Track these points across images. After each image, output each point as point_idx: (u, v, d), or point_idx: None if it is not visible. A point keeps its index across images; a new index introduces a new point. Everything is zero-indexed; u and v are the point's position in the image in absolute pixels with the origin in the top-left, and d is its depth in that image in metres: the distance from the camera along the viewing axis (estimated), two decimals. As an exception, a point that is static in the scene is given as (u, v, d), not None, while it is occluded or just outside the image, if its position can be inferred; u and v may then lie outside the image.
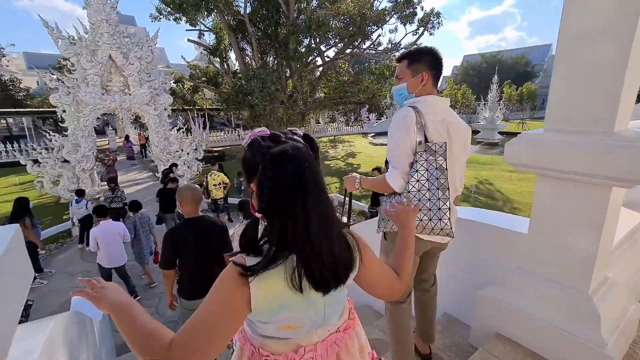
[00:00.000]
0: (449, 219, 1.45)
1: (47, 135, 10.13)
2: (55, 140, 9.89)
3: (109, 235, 4.65)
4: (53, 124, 19.97)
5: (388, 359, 1.86)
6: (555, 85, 1.45)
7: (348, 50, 17.94)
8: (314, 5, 15.59)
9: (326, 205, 0.79)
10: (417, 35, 18.93)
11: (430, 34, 18.05)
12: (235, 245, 2.66)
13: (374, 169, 6.81)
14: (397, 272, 0.99)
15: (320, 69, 18.45)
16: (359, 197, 9.89)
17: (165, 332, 0.71)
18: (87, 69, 9.56)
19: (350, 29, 15.47)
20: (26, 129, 20.18)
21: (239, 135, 22.64)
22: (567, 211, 1.48)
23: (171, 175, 7.37)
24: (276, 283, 0.75)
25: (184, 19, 15.08)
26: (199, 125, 14.38)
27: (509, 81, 42.69)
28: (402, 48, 20.04)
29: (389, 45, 19.65)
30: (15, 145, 15.86)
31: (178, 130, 12.82)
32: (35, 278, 5.54)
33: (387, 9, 16.50)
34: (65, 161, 9.88)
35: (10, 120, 25.23)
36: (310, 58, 17.16)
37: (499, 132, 25.04)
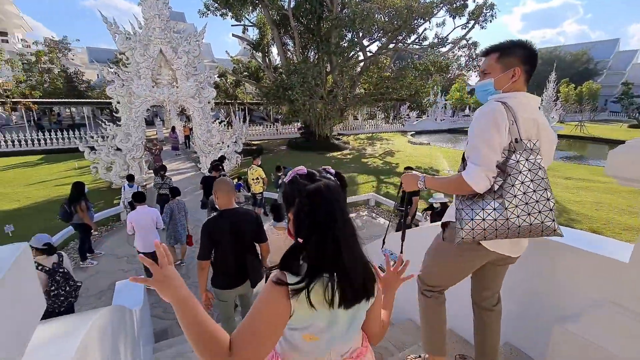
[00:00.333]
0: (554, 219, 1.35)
1: (103, 124, 10.88)
2: (110, 129, 10.60)
3: (143, 220, 4.87)
4: (109, 114, 21.51)
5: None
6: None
7: (391, 45, 17.38)
8: (359, -2, 15.21)
9: (352, 233, 0.92)
10: (467, 29, 17.87)
11: (482, 27, 16.94)
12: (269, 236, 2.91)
13: (406, 168, 6.41)
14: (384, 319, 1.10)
15: (362, 64, 18.06)
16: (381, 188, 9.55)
17: (224, 335, 0.80)
18: (140, 63, 10.07)
19: (396, 22, 14.91)
20: (86, 118, 21.96)
21: (277, 130, 22.96)
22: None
23: (221, 167, 7.54)
24: (313, 299, 0.85)
25: (229, 14, 15.43)
26: (240, 119, 14.74)
27: (567, 79, 39.13)
28: (449, 43, 19.05)
29: (435, 40, 18.75)
30: (77, 132, 17.31)
31: (220, 123, 13.19)
32: (86, 258, 5.92)
33: (435, 1, 15.68)
34: (118, 149, 10.54)
35: (73, 109, 27.66)
36: (352, 53, 16.85)
37: (554, 135, 23.03)
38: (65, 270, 3.45)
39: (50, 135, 17.02)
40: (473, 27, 17.27)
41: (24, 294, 0.85)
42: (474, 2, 16.27)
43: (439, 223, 1.80)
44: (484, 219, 1.38)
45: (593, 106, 39.28)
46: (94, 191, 10.04)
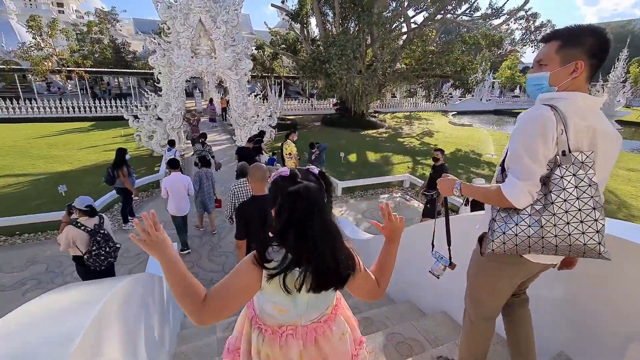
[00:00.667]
0: (599, 242, 1.20)
1: (146, 94, 11.25)
2: (152, 99, 10.95)
3: (175, 185, 5.14)
4: (152, 85, 22.36)
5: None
6: None
7: (439, 16, 16.08)
8: (406, -37, 14.04)
9: (328, 231, 0.97)
10: (526, -3, 16.05)
11: (545, -4, 15.07)
12: None
13: (435, 150, 5.97)
14: (377, 279, 1.15)
15: (405, 36, 16.98)
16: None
17: (201, 289, 0.95)
18: (180, 32, 10.13)
19: (446, -10, 13.67)
20: (132, 88, 22.99)
21: (311, 105, 22.65)
22: None
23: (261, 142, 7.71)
24: (279, 282, 0.96)
25: (269, -18, 14.94)
26: (275, 93, 14.61)
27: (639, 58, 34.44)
28: (503, 14, 17.27)
29: (489, 11, 17.10)
30: (123, 102, 18.20)
31: (255, 96, 13.18)
32: (128, 221, 6.27)
33: (493, -36, 14.12)
34: (159, 119, 10.92)
35: (121, 79, 29.06)
36: (395, 24, 15.84)
37: (617, 121, 20.60)
38: (106, 232, 3.60)
39: (100, 103, 18.05)
40: (535, -5, 15.46)
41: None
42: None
43: (478, 214, 1.70)
44: (516, 235, 1.26)
45: (669, 89, 34.49)
46: (137, 158, 10.55)
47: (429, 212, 6.10)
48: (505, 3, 17.32)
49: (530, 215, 1.24)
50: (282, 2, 20.02)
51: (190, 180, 5.36)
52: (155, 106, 10.88)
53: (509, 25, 17.88)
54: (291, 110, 21.69)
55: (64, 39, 22.47)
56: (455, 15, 16.19)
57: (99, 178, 5.89)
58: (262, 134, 8.38)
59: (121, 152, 5.88)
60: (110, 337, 1.15)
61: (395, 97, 26.74)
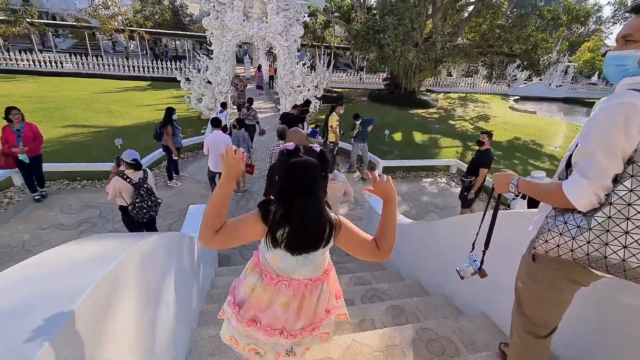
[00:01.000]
0: None
1: (198, 56, 11.45)
2: (203, 62, 11.13)
3: (216, 143, 5.41)
4: (206, 49, 22.85)
5: None
6: None
7: (515, -16, 14.23)
8: None
9: (317, 201, 1.14)
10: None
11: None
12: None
13: (482, 133, 5.36)
14: (377, 241, 1.21)
15: (472, 7, 15.35)
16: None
17: (224, 220, 1.14)
18: (234, -6, 9.97)
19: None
20: (187, 51, 23.67)
21: (360, 79, 21.79)
22: None
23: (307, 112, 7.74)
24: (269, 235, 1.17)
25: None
26: (324, 63, 14.16)
27: None
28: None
29: (578, -21, 14.80)
30: (178, 63, 18.82)
31: (303, 65, 12.88)
32: (172, 178, 6.56)
33: None
34: (208, 82, 11.12)
35: (177, 42, 30.02)
36: (462, -7, 14.33)
37: None
38: (149, 186, 3.74)
39: (159, 64, 18.85)
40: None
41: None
42: None
43: (530, 212, 1.59)
44: (560, 234, 1.16)
45: None
46: (186, 119, 10.95)
47: (468, 202, 5.64)
48: (599, -29, 14.82)
49: (583, 215, 1.11)
50: (340, -34, 18.93)
51: (230, 139, 5.63)
52: (206, 69, 11.05)
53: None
54: (338, 82, 21.06)
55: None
56: (535, -16, 14.25)
57: (151, 135, 6.19)
58: (307, 103, 8.16)
59: (169, 111, 6.05)
60: (126, 293, 1.10)
61: (451, 75, 24.81)
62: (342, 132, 7.56)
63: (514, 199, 4.50)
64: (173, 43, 30.69)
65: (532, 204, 4.08)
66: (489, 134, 5.29)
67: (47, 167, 5.94)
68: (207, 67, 11.01)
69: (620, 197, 1.04)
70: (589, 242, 1.10)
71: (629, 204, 1.03)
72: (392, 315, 2.42)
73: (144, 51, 25.13)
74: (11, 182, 5.99)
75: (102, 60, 18.21)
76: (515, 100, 22.21)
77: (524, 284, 1.41)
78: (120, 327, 1.03)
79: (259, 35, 10.95)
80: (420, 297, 2.69)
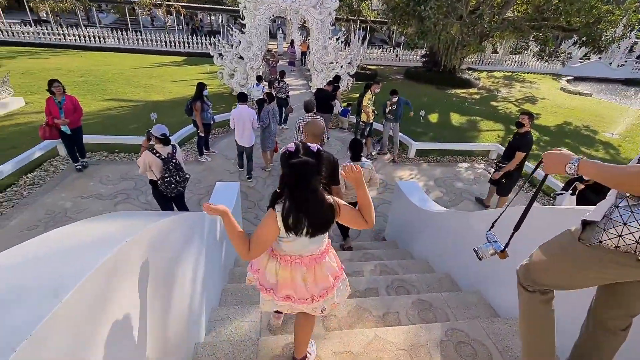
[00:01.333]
0: None
1: (231, 30, 11.32)
2: (235, 36, 10.99)
3: (241, 117, 5.54)
4: (240, 24, 22.63)
5: None
6: None
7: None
8: None
9: (315, 193, 1.37)
10: None
11: None
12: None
13: (523, 113, 4.85)
14: (363, 215, 1.49)
15: (527, -25, 13.83)
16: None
17: (246, 237, 1.40)
18: (268, -36, 9.59)
19: None
20: (221, 26, 23.61)
21: (396, 55, 20.72)
22: None
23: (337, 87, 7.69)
24: (287, 225, 1.38)
25: None
26: (359, 38, 13.50)
27: None
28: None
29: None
30: (213, 39, 18.83)
31: (337, 39, 12.37)
32: (203, 154, 6.65)
33: None
34: (241, 57, 11.01)
35: (212, 17, 30.01)
36: (517, -42, 12.89)
37: None
38: (177, 162, 3.76)
39: (194, 39, 19.00)
40: None
41: None
42: None
43: (579, 209, 1.57)
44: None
45: None
46: (218, 95, 11.01)
47: (505, 189, 5.22)
48: None
49: None
50: None
51: (255, 114, 5.73)
52: (239, 44, 10.92)
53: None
54: (373, 59, 20.17)
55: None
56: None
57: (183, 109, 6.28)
58: (337, 78, 7.83)
59: (200, 86, 6.03)
60: (129, 282, 1.02)
61: (496, 52, 22.90)
62: (375, 112, 7.15)
63: (560, 193, 4.06)
64: (208, 18, 30.74)
65: (582, 202, 3.64)
66: (530, 115, 4.85)
67: (87, 138, 6.22)
68: (239, 42, 10.87)
69: None
70: None
71: None
72: (419, 309, 2.27)
73: (180, 26, 25.42)
74: (56, 152, 6.35)
75: (141, 35, 18.64)
76: (568, 81, 20.18)
77: (553, 254, 1.34)
78: (122, 318, 0.97)
79: (292, 8, 10.57)
80: (450, 292, 2.50)
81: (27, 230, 4.31)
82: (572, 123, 11.46)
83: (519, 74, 21.14)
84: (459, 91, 14.93)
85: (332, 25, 11.85)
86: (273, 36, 25.73)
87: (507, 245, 1.49)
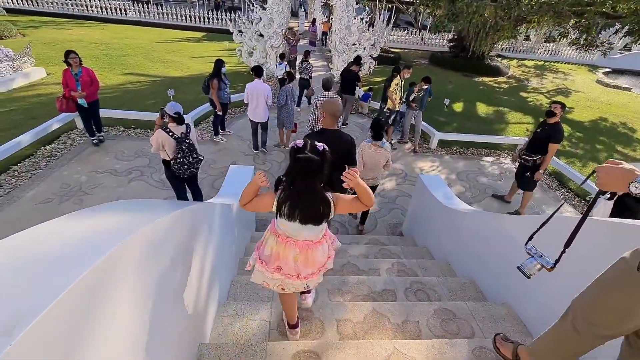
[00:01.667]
0: None
1: (251, 6, 10.94)
2: (256, 12, 10.62)
3: (256, 91, 5.48)
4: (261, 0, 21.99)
5: None
6: None
7: None
8: None
9: (314, 185, 1.50)
10: None
11: None
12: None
13: (554, 102, 4.52)
14: (364, 203, 1.58)
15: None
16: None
17: (253, 197, 1.60)
18: None
19: None
20: (242, 2, 23.02)
21: (421, 39, 19.82)
22: None
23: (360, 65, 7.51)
24: (276, 205, 1.57)
25: None
26: (384, 20, 12.86)
27: None
28: None
29: None
30: (232, 14, 18.41)
31: (361, 19, 11.80)
32: (218, 133, 6.51)
33: None
34: (260, 35, 10.67)
35: (234, -9, 29.30)
36: None
37: None
38: (191, 142, 3.61)
39: (214, 14, 18.61)
40: None
41: None
42: None
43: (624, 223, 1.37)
44: None
45: None
46: (236, 73, 10.77)
47: (530, 183, 4.89)
48: None
49: None
50: None
51: (269, 90, 5.64)
52: (259, 20, 10.56)
53: None
54: (397, 42, 19.37)
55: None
56: None
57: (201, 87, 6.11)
58: (357, 59, 7.46)
59: (218, 63, 5.81)
60: (119, 290, 0.87)
61: (529, 39, 21.55)
62: (403, 99, 6.69)
63: (606, 198, 3.72)
64: (230, -7, 30.06)
65: (618, 214, 3.30)
66: (563, 105, 4.53)
67: (104, 113, 6.16)
68: (260, 18, 10.50)
69: None
70: None
71: None
72: (441, 319, 2.08)
73: (201, 0, 24.95)
74: (74, 125, 6.34)
75: (162, 9, 18.39)
76: (605, 73, 18.88)
77: (613, 287, 1.21)
78: (110, 333, 0.82)
79: (316, -16, 10.08)
80: (475, 301, 2.30)
81: (42, 203, 4.32)
82: (608, 119, 10.73)
83: (552, 63, 19.91)
84: (486, 79, 14.18)
85: (357, 3, 11.30)
86: (294, 14, 25.01)
87: (557, 261, 1.35)
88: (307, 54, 8.61)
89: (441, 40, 19.37)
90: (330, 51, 14.37)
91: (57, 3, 17.41)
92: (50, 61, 9.66)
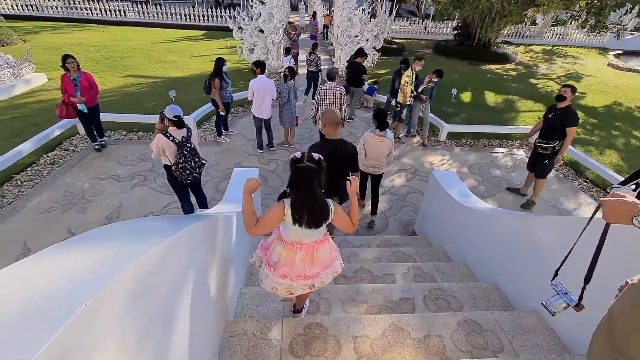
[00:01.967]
0: None
1: (250, 1, 10.71)
2: (256, 8, 10.40)
3: (261, 86, 5.37)
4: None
5: None
6: None
7: None
8: None
9: (315, 192, 1.63)
10: None
11: None
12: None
13: (564, 86, 4.36)
14: (350, 218, 1.82)
15: None
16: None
17: (256, 216, 1.67)
18: None
19: None
20: (241, -2, 22.69)
21: (425, 28, 19.38)
22: None
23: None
24: (288, 213, 1.66)
25: None
26: (385, 10, 12.53)
27: None
28: None
29: None
30: (232, 11, 18.16)
31: (363, 11, 11.51)
32: (222, 134, 6.37)
33: None
34: (261, 31, 10.46)
35: (232, -12, 28.96)
36: None
37: None
38: (192, 146, 3.47)
39: (213, 12, 18.38)
40: None
41: None
42: None
43: None
44: None
45: None
46: (237, 71, 10.60)
47: (545, 171, 4.72)
48: None
49: None
50: None
51: (274, 84, 5.54)
52: (259, 16, 10.35)
53: None
54: (400, 32, 18.95)
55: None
56: None
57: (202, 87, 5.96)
58: (359, 51, 7.25)
59: (219, 62, 5.65)
60: (105, 338, 0.73)
61: (535, 24, 20.93)
62: (414, 92, 6.31)
63: (617, 187, 3.54)
64: (228, -11, 29.73)
65: None
66: (573, 89, 4.36)
67: (106, 117, 6.05)
68: (259, 14, 10.29)
69: None
70: None
71: None
72: (466, 332, 1.92)
73: (201, -1, 24.71)
74: (76, 130, 6.25)
75: (161, 9, 18.21)
76: (617, 56, 18.28)
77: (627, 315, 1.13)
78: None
79: (316, -24, 9.81)
80: (501, 310, 2.13)
81: (44, 213, 4.23)
82: (623, 104, 10.34)
83: (561, 47, 19.34)
84: (493, 67, 13.79)
85: (358, -6, 11.00)
86: (294, 8, 24.69)
87: (580, 298, 1.30)
88: (315, 47, 8.53)
89: (445, 29, 18.93)
90: (332, 44, 14.10)
91: (57, 8, 17.34)
92: (51, 66, 9.59)
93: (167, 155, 3.40)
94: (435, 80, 6.17)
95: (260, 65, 5.47)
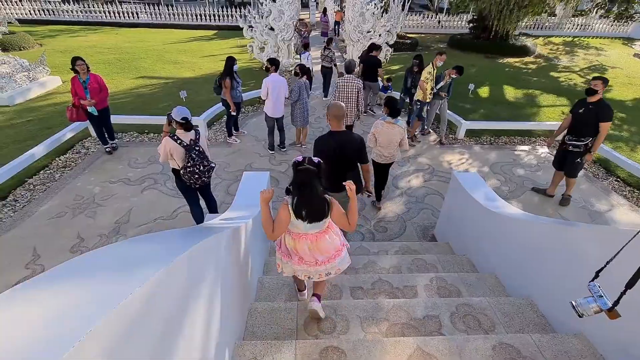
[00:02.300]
0: None
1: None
2: (266, 5, 10.24)
3: (276, 84, 5.29)
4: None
5: None
6: None
7: None
8: None
9: (315, 190, 1.81)
10: None
11: None
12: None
13: (595, 78, 4.10)
14: (348, 218, 1.93)
15: None
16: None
17: (273, 222, 1.90)
18: None
19: None
20: (251, -4, 22.60)
21: (439, 22, 18.85)
22: None
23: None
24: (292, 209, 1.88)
25: None
26: (398, 4, 12.18)
27: None
28: None
29: None
30: (243, 10, 18.07)
31: (374, 5, 11.20)
32: (232, 134, 6.24)
33: None
34: (271, 29, 10.31)
35: (242, -13, 28.94)
36: None
37: None
38: (201, 149, 3.34)
39: (224, 11, 18.35)
40: None
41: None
42: None
43: None
44: None
45: None
46: (247, 70, 10.49)
47: (577, 169, 4.44)
48: None
49: None
50: None
51: (286, 82, 5.47)
52: (269, 13, 10.19)
53: None
54: (413, 27, 18.49)
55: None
56: None
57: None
58: (372, 46, 7.01)
59: (229, 61, 5.51)
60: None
61: (555, 15, 20.08)
62: (435, 89, 5.96)
63: None
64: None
65: None
66: (605, 80, 4.07)
67: (117, 118, 6.02)
68: (269, 11, 10.12)
69: None
70: None
71: None
72: (503, 359, 1.71)
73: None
74: (88, 133, 6.24)
75: (173, 9, 18.30)
76: (644, 46, 17.35)
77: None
78: None
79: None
80: (541, 333, 1.90)
81: (55, 218, 4.18)
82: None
83: (582, 38, 18.50)
84: (511, 60, 13.26)
85: (371, -12, 10.69)
86: (304, 5, 24.47)
87: (616, 303, 1.19)
88: (329, 42, 8.48)
89: (459, 22, 18.36)
90: (343, 41, 13.84)
91: (72, 11, 17.63)
92: (65, 69, 9.63)
93: (175, 158, 3.28)
94: (454, 76, 5.88)
95: (274, 63, 5.37)
